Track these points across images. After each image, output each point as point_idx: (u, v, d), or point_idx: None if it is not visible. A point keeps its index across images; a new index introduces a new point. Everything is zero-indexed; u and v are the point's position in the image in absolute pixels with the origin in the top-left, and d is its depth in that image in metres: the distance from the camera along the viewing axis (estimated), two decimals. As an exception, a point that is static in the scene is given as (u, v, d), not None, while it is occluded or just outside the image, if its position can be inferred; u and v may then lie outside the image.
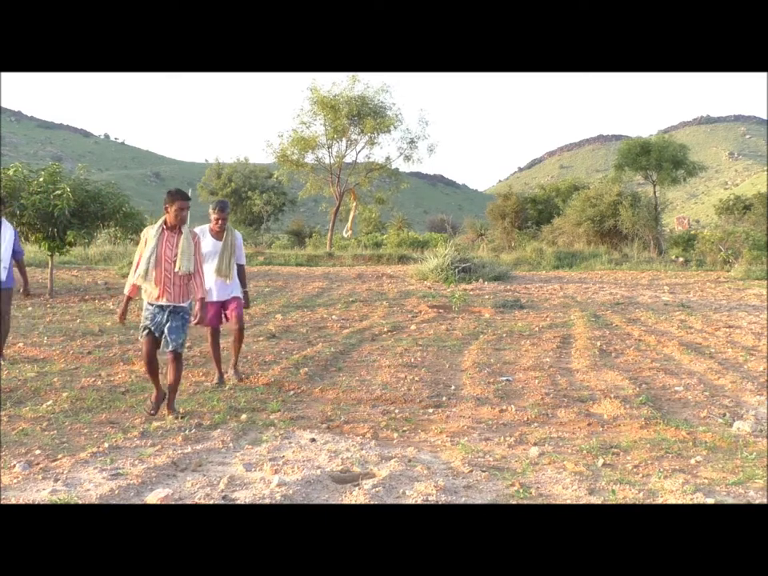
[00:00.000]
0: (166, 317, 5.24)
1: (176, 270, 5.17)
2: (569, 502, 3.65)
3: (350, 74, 31.04)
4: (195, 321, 5.38)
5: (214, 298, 6.30)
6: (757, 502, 3.66)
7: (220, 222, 6.31)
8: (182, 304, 5.27)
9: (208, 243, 6.27)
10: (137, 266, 5.27)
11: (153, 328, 5.23)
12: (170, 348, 5.24)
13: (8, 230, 7.13)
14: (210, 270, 6.17)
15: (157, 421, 5.13)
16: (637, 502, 3.62)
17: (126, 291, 5.35)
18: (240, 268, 6.52)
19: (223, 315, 6.49)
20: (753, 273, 20.10)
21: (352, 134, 32.29)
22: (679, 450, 4.58)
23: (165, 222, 5.28)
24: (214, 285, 6.28)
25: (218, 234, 6.36)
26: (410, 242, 32.46)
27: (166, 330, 5.22)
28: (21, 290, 7.57)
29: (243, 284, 6.57)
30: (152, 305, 5.24)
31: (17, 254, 7.31)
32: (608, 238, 28.91)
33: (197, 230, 6.28)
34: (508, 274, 19.73)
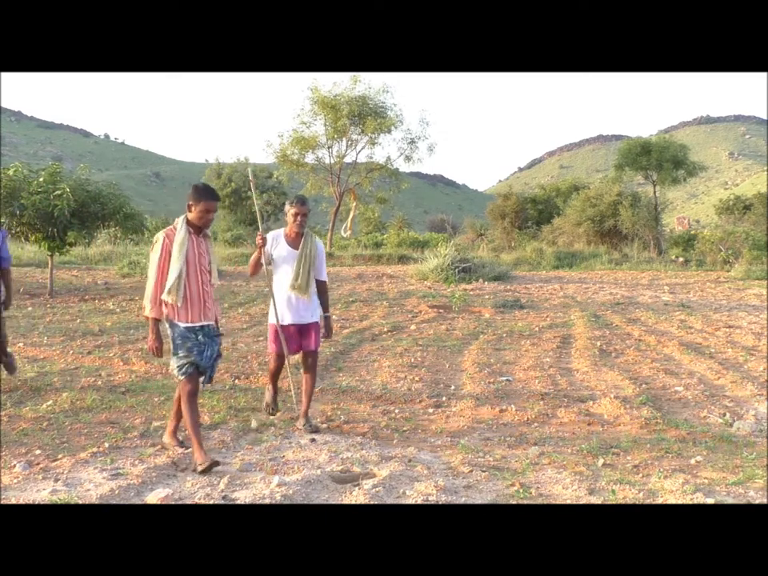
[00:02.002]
0: (212, 348, 4.30)
1: (212, 281, 4.34)
2: (569, 501, 3.65)
3: (351, 74, 31.04)
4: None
5: (288, 321, 5.07)
6: (757, 501, 3.66)
7: (299, 217, 5.04)
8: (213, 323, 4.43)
9: (282, 250, 5.09)
10: (160, 278, 4.16)
11: (203, 364, 4.25)
12: (208, 383, 4.47)
13: None
14: (282, 284, 5.10)
15: (157, 421, 5.13)
16: (637, 502, 3.62)
17: (149, 312, 4.20)
18: (321, 285, 5.21)
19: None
20: (753, 273, 20.10)
21: (352, 134, 32.28)
22: (679, 450, 4.58)
23: (188, 224, 4.26)
24: (286, 303, 5.07)
25: (294, 240, 5.11)
26: (410, 241, 32.47)
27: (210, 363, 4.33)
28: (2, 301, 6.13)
29: (325, 306, 5.27)
30: (191, 329, 4.21)
31: (2, 261, 6.09)
32: (608, 238, 28.91)
33: (270, 235, 5.15)
34: (508, 274, 19.72)
